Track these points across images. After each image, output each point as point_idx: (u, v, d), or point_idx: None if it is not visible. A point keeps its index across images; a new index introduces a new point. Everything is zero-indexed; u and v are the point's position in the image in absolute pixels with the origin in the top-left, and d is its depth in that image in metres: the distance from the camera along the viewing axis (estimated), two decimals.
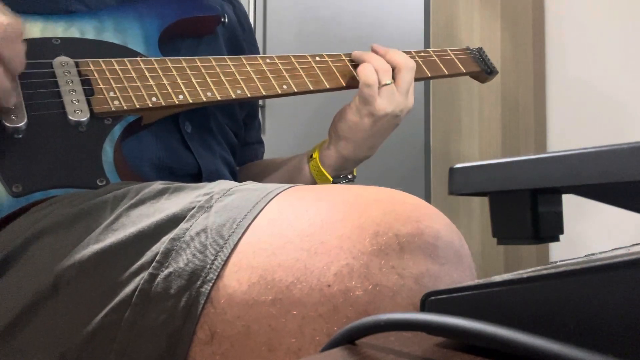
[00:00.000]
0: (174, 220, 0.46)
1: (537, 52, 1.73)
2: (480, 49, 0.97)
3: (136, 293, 0.42)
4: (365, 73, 0.78)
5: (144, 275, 0.43)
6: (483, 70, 0.94)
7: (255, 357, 0.39)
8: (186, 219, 0.46)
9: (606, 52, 1.67)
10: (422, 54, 0.89)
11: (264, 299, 0.39)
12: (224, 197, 0.48)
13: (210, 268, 0.42)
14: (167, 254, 0.44)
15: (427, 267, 0.38)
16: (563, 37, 1.75)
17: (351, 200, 0.43)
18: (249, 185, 0.51)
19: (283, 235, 0.42)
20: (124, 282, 0.43)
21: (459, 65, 0.92)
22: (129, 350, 0.42)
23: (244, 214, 0.45)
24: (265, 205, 0.45)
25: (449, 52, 0.92)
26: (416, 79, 0.83)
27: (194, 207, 0.47)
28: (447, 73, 0.90)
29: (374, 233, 0.39)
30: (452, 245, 0.40)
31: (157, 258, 0.44)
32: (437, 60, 0.90)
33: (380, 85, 0.78)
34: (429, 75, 0.88)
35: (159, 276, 0.43)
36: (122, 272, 0.44)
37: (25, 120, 0.57)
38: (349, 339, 0.27)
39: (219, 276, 0.42)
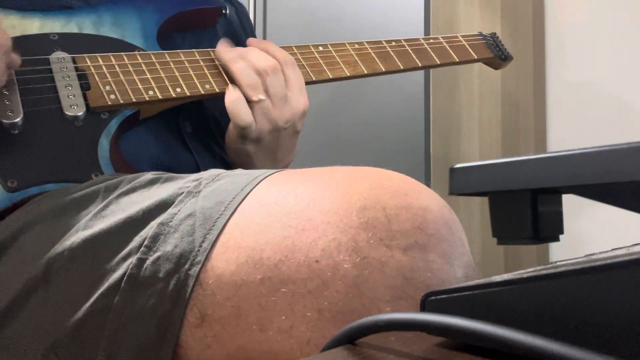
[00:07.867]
0: (163, 206, 0.46)
1: (537, 52, 1.73)
2: (494, 34, 0.91)
3: (125, 278, 0.42)
4: (245, 74, 0.67)
5: (133, 260, 0.43)
6: (497, 56, 0.89)
7: (247, 337, 0.39)
8: (174, 203, 0.46)
9: (606, 53, 1.67)
10: (431, 40, 0.84)
11: (253, 279, 0.39)
12: (213, 182, 0.48)
13: (199, 250, 0.42)
14: (156, 238, 0.44)
15: (415, 238, 0.38)
16: (563, 37, 1.75)
17: (338, 178, 0.43)
18: (238, 171, 0.51)
19: (270, 214, 0.42)
20: (113, 267, 0.43)
21: (471, 51, 0.87)
22: (119, 335, 0.42)
23: (232, 196, 0.45)
24: (254, 188, 0.45)
25: (460, 38, 0.87)
26: (425, 67, 0.80)
27: (182, 193, 0.47)
28: (457, 60, 0.84)
29: (361, 207, 0.39)
30: (442, 217, 0.40)
31: (146, 243, 0.44)
32: (447, 47, 0.85)
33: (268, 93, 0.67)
34: (438, 62, 0.83)
35: (148, 261, 0.43)
36: (111, 258, 0.44)
37: (21, 115, 0.57)
38: (349, 338, 0.27)
39: (207, 258, 0.42)
